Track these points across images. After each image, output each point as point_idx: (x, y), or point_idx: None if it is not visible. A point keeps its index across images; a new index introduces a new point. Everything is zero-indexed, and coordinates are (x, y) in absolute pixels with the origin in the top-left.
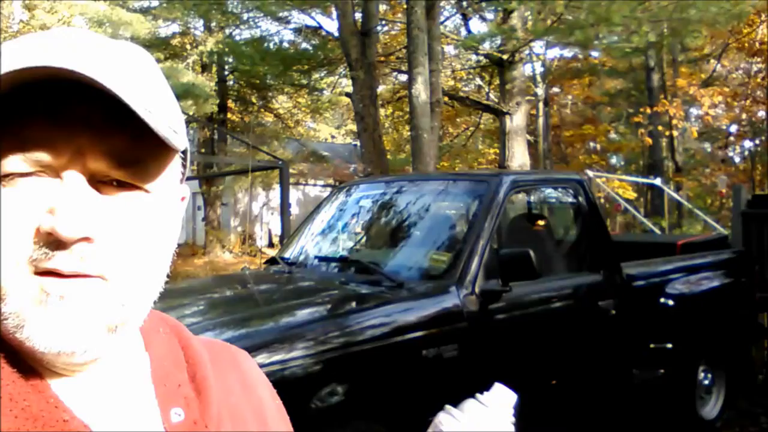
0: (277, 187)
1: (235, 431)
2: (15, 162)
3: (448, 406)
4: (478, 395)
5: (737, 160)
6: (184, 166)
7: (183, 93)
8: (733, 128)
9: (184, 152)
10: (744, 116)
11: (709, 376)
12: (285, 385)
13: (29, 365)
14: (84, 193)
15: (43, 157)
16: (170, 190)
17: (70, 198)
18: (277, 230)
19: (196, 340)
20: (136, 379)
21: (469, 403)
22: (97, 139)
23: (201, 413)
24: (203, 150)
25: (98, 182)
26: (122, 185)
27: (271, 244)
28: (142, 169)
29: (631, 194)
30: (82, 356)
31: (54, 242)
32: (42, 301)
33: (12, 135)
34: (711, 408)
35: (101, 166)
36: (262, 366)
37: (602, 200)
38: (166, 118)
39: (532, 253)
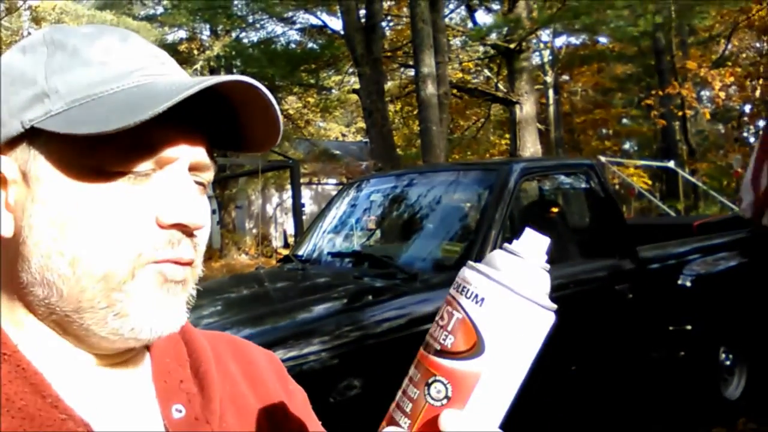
0: (290, 188)
1: (239, 424)
2: (139, 160)
3: (471, 263)
4: (506, 245)
5: (752, 140)
6: None
7: None
8: (747, 108)
9: None
10: (758, 94)
11: (731, 357)
12: (303, 379)
13: (31, 364)
14: (194, 186)
15: (166, 156)
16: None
17: (193, 192)
18: (292, 230)
19: (198, 334)
20: (137, 376)
21: (498, 255)
22: (204, 142)
23: (202, 409)
24: (215, 154)
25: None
26: (199, 184)
27: (286, 245)
28: (209, 171)
29: (646, 183)
30: (160, 334)
31: (178, 234)
32: (159, 287)
33: (141, 137)
34: (734, 389)
35: (198, 164)
36: None
37: (617, 186)
38: None
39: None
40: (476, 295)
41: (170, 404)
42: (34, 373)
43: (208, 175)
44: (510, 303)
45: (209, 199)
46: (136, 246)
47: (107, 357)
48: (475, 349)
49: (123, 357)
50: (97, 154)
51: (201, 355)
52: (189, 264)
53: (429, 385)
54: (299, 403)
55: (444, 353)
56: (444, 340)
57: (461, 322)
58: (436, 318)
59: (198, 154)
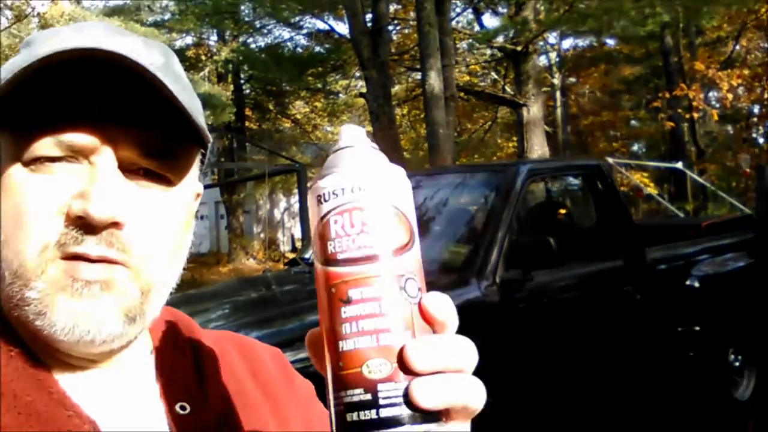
0: (297, 193)
1: (244, 422)
2: (46, 146)
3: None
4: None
5: (761, 141)
6: (203, 162)
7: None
8: (756, 109)
9: (203, 151)
10: (766, 95)
11: (740, 357)
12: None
13: (37, 361)
14: (116, 178)
15: (75, 142)
16: (190, 185)
17: (103, 182)
18: (299, 235)
19: (203, 332)
20: (141, 374)
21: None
22: (130, 128)
23: (207, 407)
24: (223, 159)
25: (126, 170)
26: (149, 175)
27: (294, 249)
28: (170, 160)
29: (653, 190)
30: (101, 346)
31: (84, 226)
32: (67, 286)
33: (45, 119)
34: (744, 389)
35: (131, 155)
36: None
37: (624, 188)
38: (199, 114)
39: (551, 240)
40: (357, 188)
41: (175, 402)
42: (41, 369)
43: (158, 162)
44: (380, 170)
45: (217, 204)
46: (41, 238)
47: (91, 360)
48: (411, 230)
49: (109, 357)
50: (4, 144)
51: (205, 353)
52: (106, 262)
53: (404, 288)
54: (306, 398)
55: (399, 250)
56: (388, 239)
57: (384, 217)
58: (324, 239)
59: (123, 142)
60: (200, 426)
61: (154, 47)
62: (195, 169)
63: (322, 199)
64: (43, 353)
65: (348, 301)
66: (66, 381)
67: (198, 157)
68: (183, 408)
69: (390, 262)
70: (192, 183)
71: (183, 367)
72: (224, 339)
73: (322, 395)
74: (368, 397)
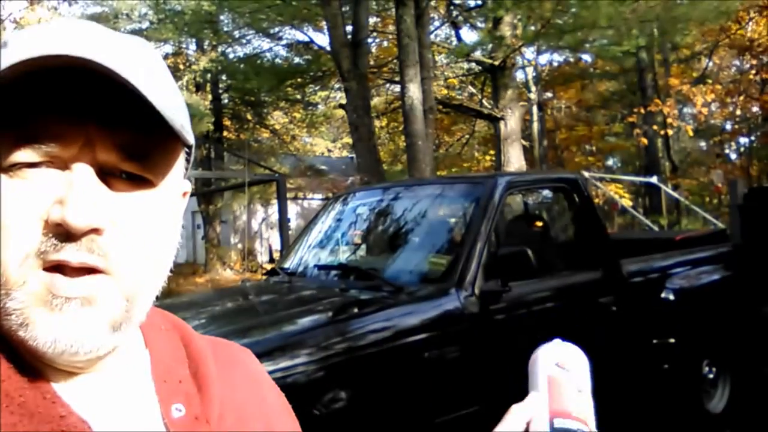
0: (275, 203)
1: (238, 428)
2: (23, 152)
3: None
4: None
5: (733, 156)
6: (188, 161)
7: None
8: (728, 125)
9: (188, 148)
10: (738, 112)
11: (714, 369)
12: (288, 392)
13: (28, 361)
14: (94, 184)
15: (52, 147)
16: (175, 185)
17: (80, 188)
18: (277, 245)
19: (198, 337)
20: (136, 375)
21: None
22: (108, 131)
23: (202, 409)
24: (200, 168)
25: (107, 174)
26: (130, 178)
27: (271, 260)
28: (151, 162)
29: (627, 201)
30: (86, 355)
31: (63, 234)
32: (47, 301)
33: (21, 125)
34: (717, 402)
35: (111, 158)
36: None
37: (600, 202)
38: (176, 112)
39: (529, 251)
40: None
41: (170, 403)
42: (32, 370)
43: (139, 165)
44: None
45: (194, 214)
46: (22, 247)
47: (81, 363)
48: None
49: (96, 363)
50: None
51: (200, 356)
52: (87, 269)
53: None
54: (292, 415)
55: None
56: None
57: None
58: None
59: (101, 146)
60: (196, 428)
61: (130, 44)
62: (179, 168)
63: None
64: (33, 357)
65: None
66: (57, 381)
67: (182, 155)
68: (179, 409)
69: None
70: (176, 182)
71: (179, 369)
72: (218, 345)
73: (298, 413)
74: None
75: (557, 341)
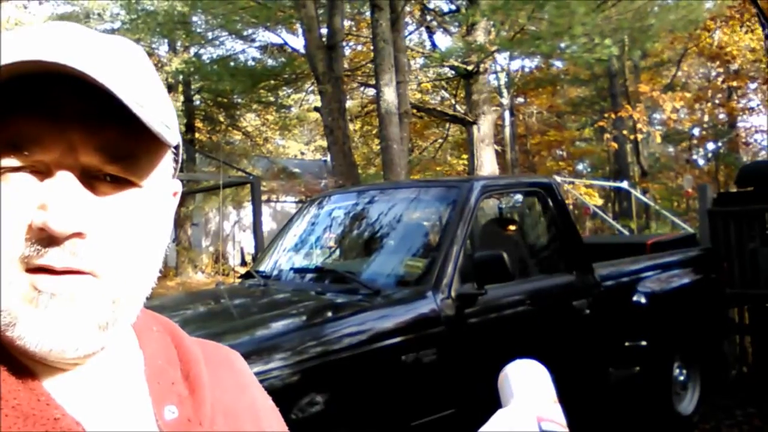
0: (248, 206)
1: (229, 429)
2: (5, 158)
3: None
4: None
5: (701, 162)
6: (176, 161)
7: None
8: (696, 131)
9: (176, 147)
10: (706, 118)
11: (684, 372)
12: None
13: (20, 362)
14: (76, 188)
15: (34, 152)
16: (163, 186)
17: (62, 193)
18: (249, 249)
19: (189, 339)
20: (129, 377)
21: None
22: (90, 134)
23: (194, 411)
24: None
25: (91, 177)
26: (115, 180)
27: (243, 263)
28: (135, 163)
29: (598, 201)
30: (75, 353)
31: (46, 238)
32: (33, 299)
33: (2, 130)
34: (687, 403)
35: (94, 161)
36: None
37: (571, 206)
38: (159, 112)
39: (505, 255)
40: None
41: (163, 405)
42: (25, 372)
43: (122, 167)
44: None
45: None
46: (6, 252)
47: (71, 361)
48: None
49: (85, 360)
50: None
51: (191, 358)
52: (72, 272)
53: None
54: (279, 416)
55: None
56: None
57: None
58: None
59: (83, 149)
60: (189, 429)
61: (111, 45)
62: (166, 168)
63: None
64: (24, 357)
65: None
66: (50, 383)
67: (170, 155)
68: (171, 411)
69: None
70: (164, 182)
71: (171, 371)
72: (208, 347)
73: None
74: None
75: (520, 361)
